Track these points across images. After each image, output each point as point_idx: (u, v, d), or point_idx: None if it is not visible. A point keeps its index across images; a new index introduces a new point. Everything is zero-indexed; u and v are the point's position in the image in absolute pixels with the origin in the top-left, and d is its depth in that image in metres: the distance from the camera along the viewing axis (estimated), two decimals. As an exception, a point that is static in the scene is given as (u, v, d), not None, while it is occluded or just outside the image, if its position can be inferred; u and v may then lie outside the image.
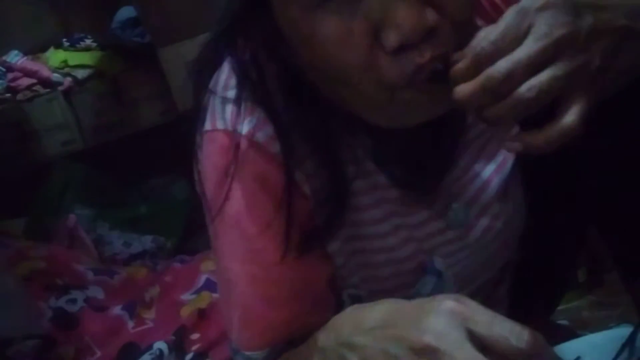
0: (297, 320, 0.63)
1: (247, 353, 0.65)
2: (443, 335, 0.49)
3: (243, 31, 0.61)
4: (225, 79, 0.63)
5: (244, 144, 0.61)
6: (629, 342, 0.62)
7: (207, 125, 0.63)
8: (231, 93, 0.62)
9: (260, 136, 0.61)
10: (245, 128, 0.61)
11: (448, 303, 0.50)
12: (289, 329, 0.63)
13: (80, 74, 1.85)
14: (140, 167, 1.88)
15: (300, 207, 0.62)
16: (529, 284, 0.81)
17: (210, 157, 0.63)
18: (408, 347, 0.50)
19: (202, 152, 0.64)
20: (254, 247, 0.62)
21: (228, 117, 0.62)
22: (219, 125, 0.62)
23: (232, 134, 0.61)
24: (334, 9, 0.52)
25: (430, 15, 0.50)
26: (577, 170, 0.71)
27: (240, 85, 0.62)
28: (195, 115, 0.64)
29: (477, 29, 0.55)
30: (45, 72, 1.84)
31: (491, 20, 0.67)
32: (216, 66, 0.64)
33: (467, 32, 0.54)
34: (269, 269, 0.62)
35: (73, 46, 1.95)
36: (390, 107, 0.54)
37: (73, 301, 1.43)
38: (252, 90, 0.61)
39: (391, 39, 0.50)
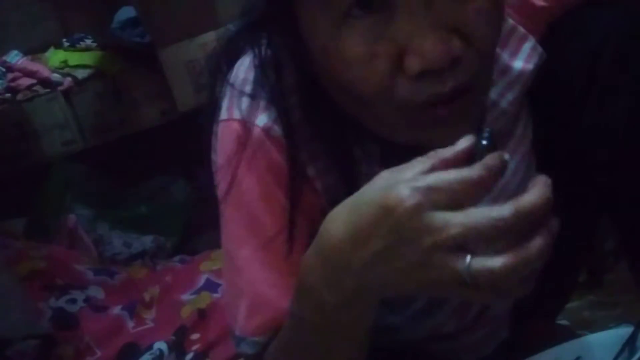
0: None
1: (254, 339, 0.65)
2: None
3: (266, 30, 0.61)
4: (245, 72, 0.64)
5: (260, 135, 0.62)
6: (629, 342, 0.62)
7: (224, 115, 0.65)
8: (249, 88, 0.63)
9: (276, 130, 0.62)
10: (262, 120, 0.62)
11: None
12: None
13: (80, 74, 1.85)
14: (140, 167, 1.88)
15: (310, 202, 0.64)
16: (535, 284, 0.81)
17: (226, 145, 0.64)
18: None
19: (217, 141, 0.65)
20: (264, 235, 0.63)
21: (245, 108, 0.63)
22: (236, 114, 0.63)
23: (248, 124, 0.62)
24: (361, 28, 0.51)
25: (456, 45, 0.50)
26: (590, 157, 0.71)
27: (258, 82, 0.63)
28: (212, 105, 0.65)
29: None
30: (45, 72, 1.84)
31: None
32: (235, 59, 0.65)
33: (490, 62, 0.54)
34: (279, 257, 0.63)
35: (73, 46, 1.95)
36: (404, 127, 0.54)
37: (73, 301, 1.43)
38: (268, 89, 0.62)
39: (415, 65, 0.50)
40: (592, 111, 0.68)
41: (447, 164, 0.47)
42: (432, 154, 0.48)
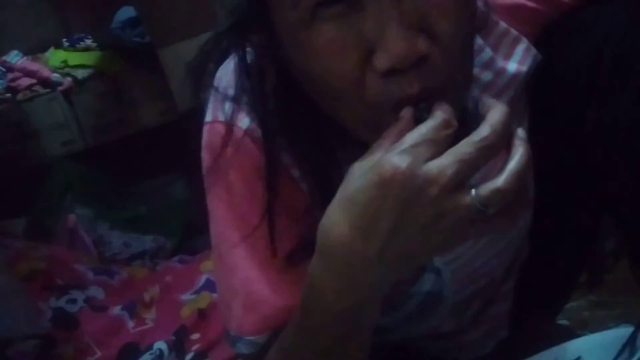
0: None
1: (250, 338, 0.65)
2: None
3: (247, 32, 0.61)
4: (229, 75, 0.65)
5: (244, 137, 0.63)
6: (629, 342, 0.62)
7: (209, 117, 0.65)
8: (232, 91, 0.63)
9: (259, 132, 0.62)
10: (245, 123, 0.63)
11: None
12: (291, 316, 0.63)
13: (80, 74, 1.85)
14: (140, 167, 1.88)
15: (297, 202, 0.63)
16: (535, 283, 0.81)
17: (211, 147, 0.64)
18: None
19: (203, 142, 0.65)
20: (255, 234, 0.63)
21: (228, 111, 0.63)
22: (220, 117, 0.64)
23: (233, 127, 0.63)
24: (330, 19, 0.51)
25: (422, 44, 0.50)
26: (590, 158, 0.70)
27: (239, 87, 0.63)
28: (198, 108, 0.66)
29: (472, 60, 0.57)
30: (45, 72, 1.84)
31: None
32: (219, 62, 0.66)
33: (461, 63, 0.54)
34: (268, 255, 0.63)
35: (73, 46, 1.95)
36: (376, 127, 0.54)
37: (73, 301, 1.43)
38: (250, 93, 0.63)
39: (381, 62, 0.50)
40: (593, 111, 0.68)
41: (403, 134, 0.50)
42: (385, 134, 0.51)
